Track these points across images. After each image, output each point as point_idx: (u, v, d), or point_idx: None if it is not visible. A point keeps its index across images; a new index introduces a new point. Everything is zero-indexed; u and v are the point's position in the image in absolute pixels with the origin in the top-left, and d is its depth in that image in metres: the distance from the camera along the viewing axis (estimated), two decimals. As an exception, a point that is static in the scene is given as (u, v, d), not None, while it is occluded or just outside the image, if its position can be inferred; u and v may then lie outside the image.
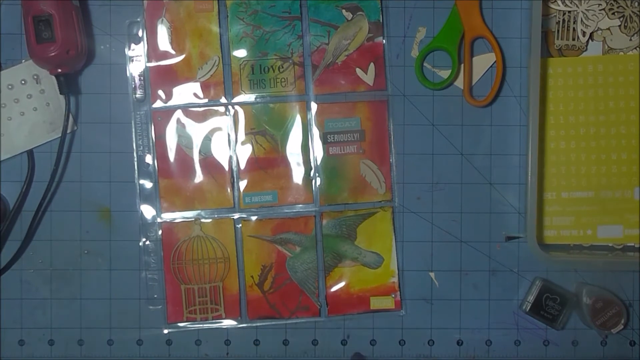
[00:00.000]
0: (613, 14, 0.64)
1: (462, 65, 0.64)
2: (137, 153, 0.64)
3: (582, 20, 0.64)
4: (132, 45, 0.64)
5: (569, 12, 0.64)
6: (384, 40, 0.64)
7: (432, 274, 0.66)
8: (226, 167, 0.64)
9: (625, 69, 0.64)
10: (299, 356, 0.65)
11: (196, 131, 0.64)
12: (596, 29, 0.65)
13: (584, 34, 0.64)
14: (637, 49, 0.65)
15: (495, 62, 0.64)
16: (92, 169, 0.64)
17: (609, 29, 0.65)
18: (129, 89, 0.64)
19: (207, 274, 0.64)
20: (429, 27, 0.65)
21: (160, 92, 0.64)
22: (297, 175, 0.65)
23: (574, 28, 0.64)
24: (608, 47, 0.65)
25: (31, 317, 0.65)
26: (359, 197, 0.65)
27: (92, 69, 0.64)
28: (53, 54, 0.59)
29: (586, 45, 0.65)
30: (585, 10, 0.64)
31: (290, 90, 0.64)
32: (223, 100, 0.64)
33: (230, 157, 0.64)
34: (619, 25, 0.64)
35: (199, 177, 0.64)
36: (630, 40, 0.64)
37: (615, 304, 0.64)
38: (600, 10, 0.64)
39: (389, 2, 0.64)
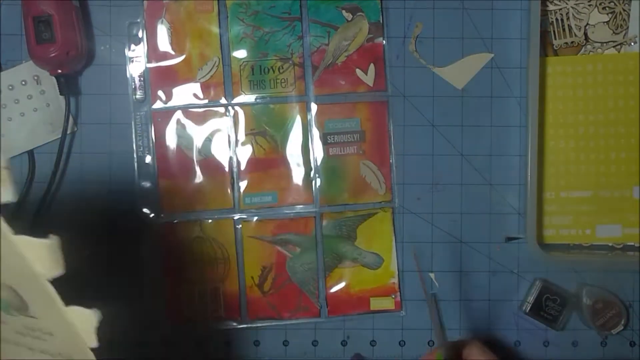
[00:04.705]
0: (603, 8, 0.64)
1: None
2: (137, 154, 0.64)
3: (574, 15, 0.64)
4: (132, 46, 0.64)
5: (560, 10, 0.65)
6: (384, 41, 0.64)
7: (432, 275, 0.66)
8: (226, 168, 0.64)
9: (625, 68, 0.65)
10: (299, 357, 0.65)
11: (196, 132, 0.64)
12: (586, 24, 0.65)
13: (579, 28, 0.65)
14: (621, 45, 0.65)
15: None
16: (93, 169, 0.64)
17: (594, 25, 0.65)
18: (129, 89, 0.64)
19: (207, 274, 0.64)
20: (429, 27, 0.65)
21: (160, 93, 0.64)
22: (297, 176, 0.65)
23: (569, 25, 0.65)
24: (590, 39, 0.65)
25: (31, 318, 0.65)
26: (359, 197, 0.65)
27: (92, 70, 0.64)
28: (53, 54, 0.59)
29: (585, 40, 0.65)
30: (575, 5, 0.64)
31: (290, 91, 0.64)
32: (223, 101, 0.64)
33: (230, 158, 0.64)
34: (607, 22, 0.64)
35: (199, 177, 0.64)
36: (613, 34, 0.65)
37: (615, 304, 0.64)
38: (588, 4, 0.65)
39: (389, 3, 0.65)
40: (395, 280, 0.65)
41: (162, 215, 0.64)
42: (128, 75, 0.64)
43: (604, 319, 0.64)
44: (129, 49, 0.64)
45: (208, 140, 0.64)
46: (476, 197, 0.65)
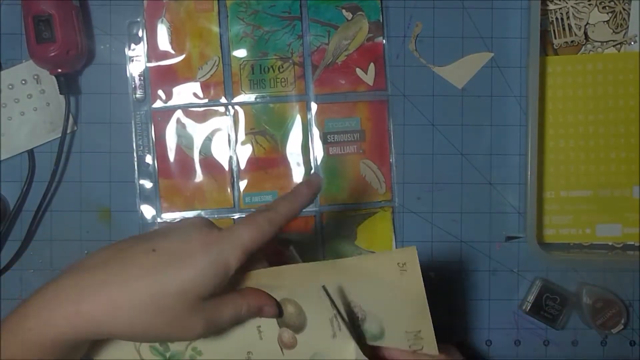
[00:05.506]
0: (603, 8, 0.64)
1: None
2: (137, 153, 0.64)
3: (573, 14, 0.64)
4: (132, 45, 0.64)
5: (560, 9, 0.65)
6: (384, 40, 0.64)
7: (432, 274, 0.65)
8: (226, 167, 0.64)
9: (625, 67, 0.65)
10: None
11: (196, 131, 0.64)
12: (586, 23, 0.65)
13: (579, 28, 0.65)
14: (621, 44, 0.65)
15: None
16: (92, 169, 0.64)
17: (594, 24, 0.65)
18: (129, 89, 0.64)
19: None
20: (429, 26, 0.65)
21: (160, 92, 0.64)
22: (297, 175, 0.65)
23: (569, 24, 0.65)
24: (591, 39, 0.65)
25: (31, 318, 0.65)
26: (359, 197, 0.65)
27: (92, 69, 0.64)
28: (53, 54, 0.59)
29: (585, 39, 0.65)
30: (575, 4, 0.64)
31: (290, 90, 0.64)
32: (223, 100, 0.64)
33: (231, 157, 0.64)
34: (607, 21, 0.64)
35: (199, 177, 0.64)
36: (613, 33, 0.65)
37: (615, 304, 0.64)
38: (588, 3, 0.65)
39: (389, 2, 0.65)
40: (395, 279, 0.65)
41: (162, 214, 0.64)
42: (128, 75, 0.64)
43: (604, 318, 0.64)
44: (129, 49, 0.64)
45: (208, 139, 0.64)
46: (476, 197, 0.65)
